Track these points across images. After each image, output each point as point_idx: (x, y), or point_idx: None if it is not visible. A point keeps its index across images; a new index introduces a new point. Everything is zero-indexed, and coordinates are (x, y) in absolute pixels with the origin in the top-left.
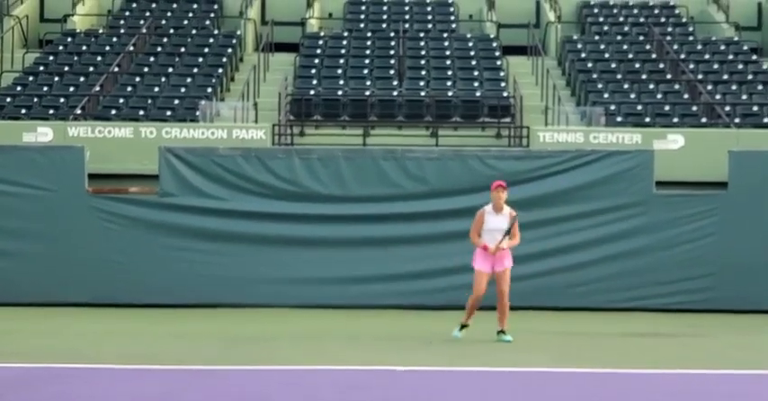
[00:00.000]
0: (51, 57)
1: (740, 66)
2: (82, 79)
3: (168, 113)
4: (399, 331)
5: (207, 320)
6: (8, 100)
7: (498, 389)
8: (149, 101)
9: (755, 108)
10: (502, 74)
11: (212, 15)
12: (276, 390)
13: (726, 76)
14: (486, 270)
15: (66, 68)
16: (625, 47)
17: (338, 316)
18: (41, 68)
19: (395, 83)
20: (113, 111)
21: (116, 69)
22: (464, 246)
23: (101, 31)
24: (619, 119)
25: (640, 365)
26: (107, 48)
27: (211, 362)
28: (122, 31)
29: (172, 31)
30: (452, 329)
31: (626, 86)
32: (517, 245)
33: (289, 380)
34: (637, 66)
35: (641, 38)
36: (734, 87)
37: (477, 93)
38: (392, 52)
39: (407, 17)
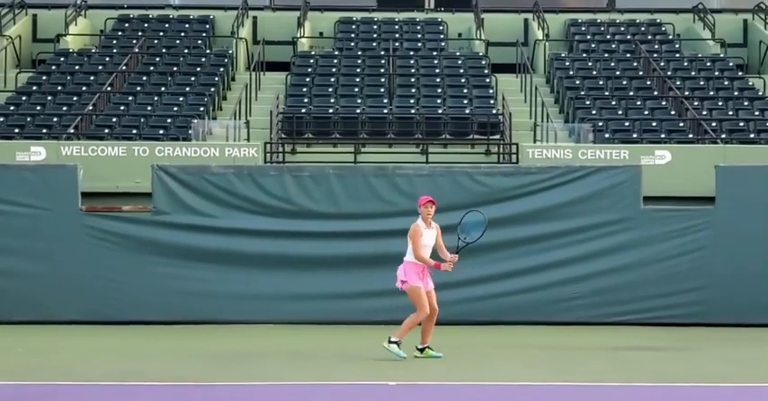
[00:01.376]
0: (44, 77)
1: (726, 83)
2: (75, 98)
3: (161, 132)
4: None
5: (199, 337)
6: (1, 119)
7: None
8: (142, 119)
9: (741, 124)
10: (491, 91)
11: (204, 35)
12: None
13: (712, 93)
14: (422, 285)
15: (60, 88)
16: (612, 64)
17: (331, 333)
18: (34, 88)
19: (385, 100)
20: (106, 130)
21: (109, 88)
22: (457, 262)
23: (93, 50)
24: (607, 135)
25: (631, 379)
26: (100, 67)
27: (201, 379)
28: (115, 50)
29: (164, 50)
30: (435, 345)
31: (613, 103)
32: None
33: (279, 397)
34: (624, 82)
35: (628, 55)
36: (720, 103)
37: (467, 111)
38: (382, 70)
39: (397, 36)
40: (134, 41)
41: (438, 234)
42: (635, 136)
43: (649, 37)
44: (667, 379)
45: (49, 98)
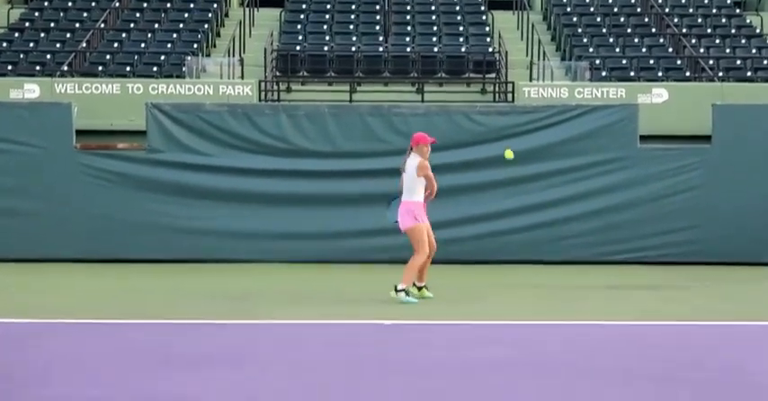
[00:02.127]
0: (37, 14)
1: (723, 21)
2: (68, 35)
3: (155, 69)
4: (386, 285)
5: (193, 275)
6: None
7: (486, 341)
8: (136, 57)
9: (739, 62)
10: (487, 29)
11: None
12: (264, 345)
13: (709, 30)
14: (426, 221)
15: (53, 25)
16: (610, 1)
17: (327, 272)
18: (27, 24)
19: (380, 38)
20: (100, 68)
21: (102, 25)
22: (452, 201)
23: None
24: (603, 73)
25: (625, 317)
26: (93, 4)
27: (198, 317)
28: None
29: None
30: (429, 284)
31: (611, 41)
32: None
33: (276, 335)
34: (622, 20)
35: None
36: (717, 41)
37: (463, 49)
38: (378, 7)
39: None
40: None
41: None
42: (632, 74)
43: None
44: (662, 318)
45: (42, 35)
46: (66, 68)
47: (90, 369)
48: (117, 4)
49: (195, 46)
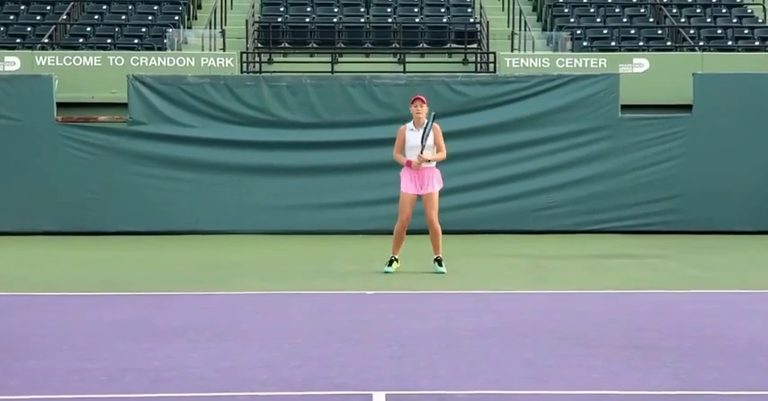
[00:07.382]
0: None
1: None
2: (48, 8)
3: (136, 41)
4: (368, 255)
5: (175, 247)
6: None
7: (470, 311)
8: (117, 29)
9: (719, 31)
10: None
11: None
12: (246, 315)
13: (690, 0)
14: (411, 191)
15: None
16: None
17: (308, 243)
18: None
19: (362, 9)
20: (81, 40)
21: None
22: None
23: None
24: (585, 43)
25: (606, 286)
26: None
27: (181, 289)
28: None
29: None
30: (410, 254)
31: (592, 10)
32: (443, 159)
33: (258, 306)
34: None
35: None
36: (698, 11)
37: (444, 20)
38: None
39: None
40: None
41: (434, 134)
42: (613, 44)
43: None
44: (642, 286)
45: (23, 7)
46: (46, 41)
47: (73, 341)
48: None
49: (176, 18)
